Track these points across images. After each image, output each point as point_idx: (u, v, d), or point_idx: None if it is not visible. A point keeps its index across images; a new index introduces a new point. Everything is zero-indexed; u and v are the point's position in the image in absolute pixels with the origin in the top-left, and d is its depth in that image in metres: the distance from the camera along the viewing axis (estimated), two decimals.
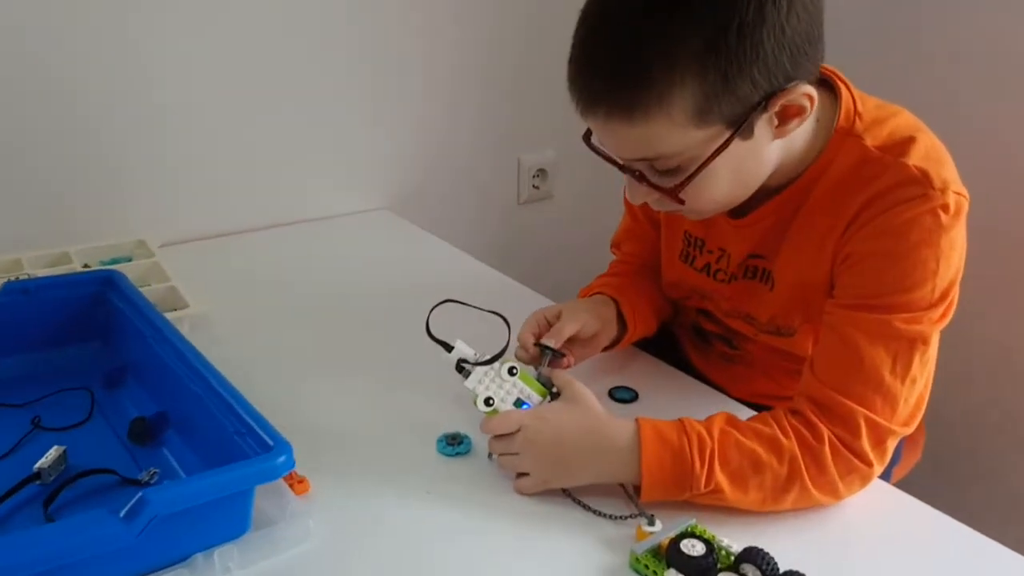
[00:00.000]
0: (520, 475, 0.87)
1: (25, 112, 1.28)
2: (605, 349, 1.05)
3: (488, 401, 0.88)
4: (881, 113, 0.88)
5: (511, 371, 0.90)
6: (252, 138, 1.48)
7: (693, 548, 0.76)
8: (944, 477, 1.62)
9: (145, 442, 0.91)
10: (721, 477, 0.81)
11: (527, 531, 0.83)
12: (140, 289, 1.16)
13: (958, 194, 0.83)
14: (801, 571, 0.74)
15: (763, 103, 0.79)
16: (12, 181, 1.30)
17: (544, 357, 0.95)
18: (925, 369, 0.84)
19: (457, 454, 0.93)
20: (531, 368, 0.95)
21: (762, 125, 0.81)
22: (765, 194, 0.91)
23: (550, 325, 0.99)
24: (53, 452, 0.85)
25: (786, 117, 0.81)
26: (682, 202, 0.85)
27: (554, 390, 0.92)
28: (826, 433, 0.83)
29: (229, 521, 0.75)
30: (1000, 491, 1.68)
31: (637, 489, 0.84)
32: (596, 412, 0.88)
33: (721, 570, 0.75)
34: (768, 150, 0.85)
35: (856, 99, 0.88)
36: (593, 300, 1.06)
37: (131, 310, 1.00)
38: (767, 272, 0.96)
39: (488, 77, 1.68)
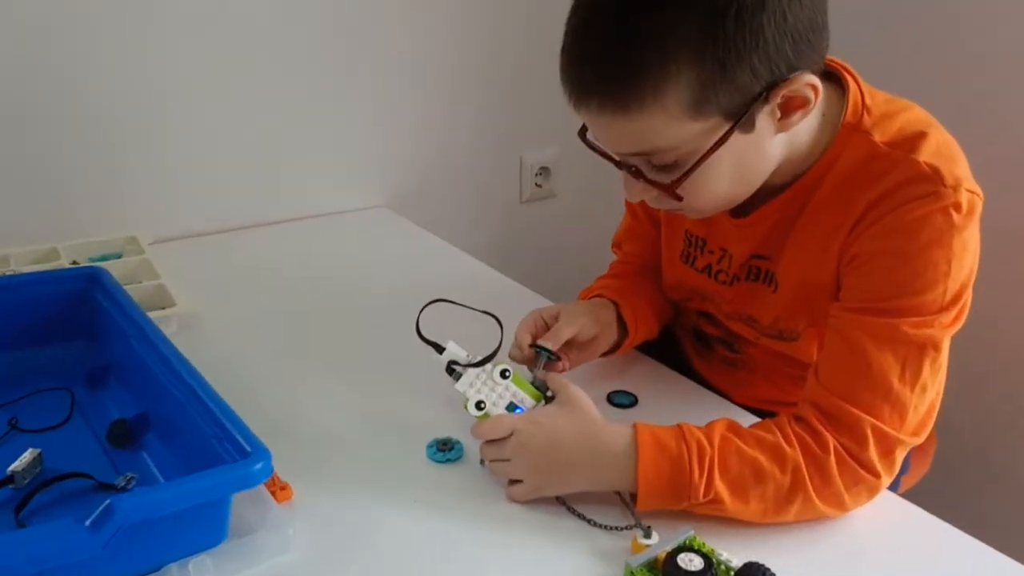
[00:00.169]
0: (512, 482, 0.84)
1: (15, 105, 1.26)
2: (604, 354, 1.02)
3: (479, 405, 0.85)
4: (891, 107, 0.84)
5: (504, 374, 0.86)
6: (249, 134, 1.46)
7: (691, 563, 0.73)
8: (955, 485, 1.58)
9: (125, 445, 0.88)
10: (721, 486, 0.78)
11: (518, 541, 0.80)
12: (128, 287, 1.14)
13: (971, 192, 0.79)
14: None
15: (764, 94, 0.75)
16: (1, 176, 1.28)
17: (539, 359, 0.92)
18: (936, 376, 0.81)
19: (448, 460, 0.90)
20: (525, 371, 0.92)
21: (764, 118, 0.78)
22: (768, 192, 0.88)
23: (547, 326, 0.96)
24: (28, 455, 0.82)
25: (789, 109, 0.78)
26: (680, 199, 0.82)
27: (549, 394, 0.88)
28: (832, 442, 0.79)
29: (204, 530, 0.72)
30: (1013, 500, 1.64)
31: (634, 497, 0.81)
32: (592, 417, 0.85)
33: None
34: (771, 144, 0.81)
35: (865, 93, 0.85)
36: (593, 303, 1.02)
37: (115, 308, 0.97)
38: (770, 273, 0.93)
39: (490, 73, 1.65)
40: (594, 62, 0.75)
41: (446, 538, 0.80)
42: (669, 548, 0.75)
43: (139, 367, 0.89)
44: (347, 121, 1.54)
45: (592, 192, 1.74)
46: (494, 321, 0.86)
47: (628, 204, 1.10)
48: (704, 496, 0.78)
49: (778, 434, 0.80)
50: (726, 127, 0.77)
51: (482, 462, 0.87)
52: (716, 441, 0.79)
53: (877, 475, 0.80)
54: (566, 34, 0.77)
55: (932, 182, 0.78)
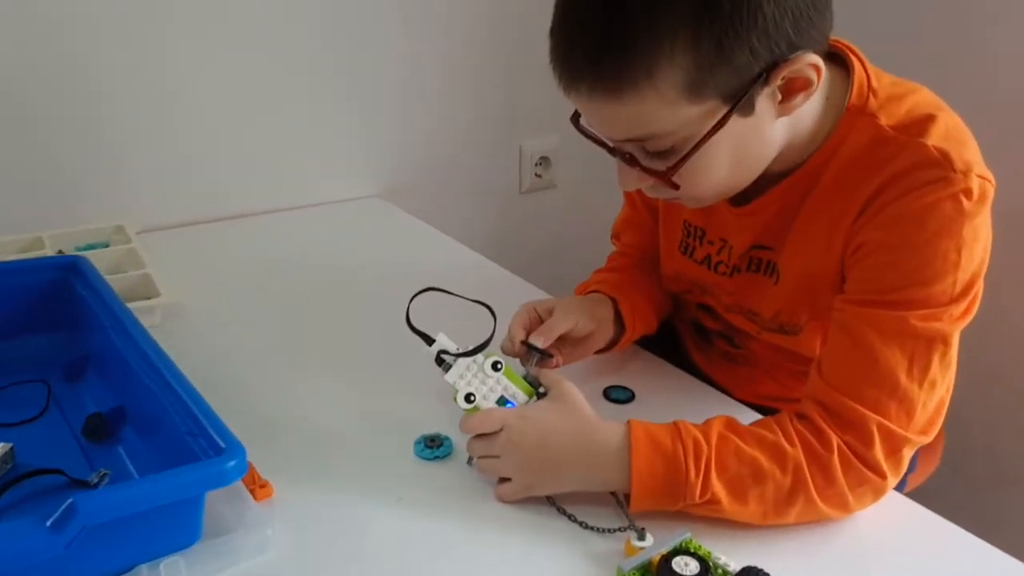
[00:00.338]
0: (501, 480, 0.81)
1: (1, 94, 1.24)
2: (600, 351, 0.98)
3: (469, 397, 0.82)
4: (898, 90, 0.81)
5: (495, 366, 0.83)
6: (240, 121, 1.43)
7: (686, 567, 0.70)
8: (964, 485, 1.55)
9: (101, 440, 0.85)
10: (718, 487, 0.75)
11: (507, 542, 0.77)
12: (113, 276, 1.12)
13: (982, 178, 0.76)
14: None
15: (764, 75, 0.72)
16: None
17: (532, 356, 0.88)
18: (946, 372, 0.77)
19: (436, 457, 0.87)
20: (517, 364, 0.89)
21: (764, 100, 0.74)
22: (770, 179, 0.84)
23: (541, 320, 0.93)
24: None
25: (790, 91, 0.75)
26: (676, 187, 0.78)
27: (541, 390, 0.85)
28: (835, 441, 0.76)
29: (176, 529, 0.69)
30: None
31: (627, 498, 0.78)
32: (585, 414, 0.82)
33: None
34: (772, 129, 0.78)
35: (871, 75, 0.81)
36: (589, 299, 0.99)
37: (94, 299, 0.94)
38: (771, 264, 0.90)
39: (488, 59, 1.62)
40: (584, 43, 0.72)
41: (431, 539, 0.77)
42: (664, 551, 0.72)
43: (117, 359, 0.86)
44: (340, 108, 1.52)
45: (594, 183, 1.70)
46: (489, 314, 0.83)
47: (626, 193, 1.07)
48: (700, 497, 0.75)
49: (779, 432, 0.77)
50: (724, 110, 0.73)
51: (469, 460, 0.84)
52: (713, 439, 0.76)
53: (883, 475, 0.76)
54: (555, 14, 0.74)
55: (941, 167, 0.75)
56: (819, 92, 0.77)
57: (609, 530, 0.77)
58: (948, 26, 1.54)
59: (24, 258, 1.13)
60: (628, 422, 0.79)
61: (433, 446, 0.87)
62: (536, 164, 1.75)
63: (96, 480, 0.78)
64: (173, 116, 1.37)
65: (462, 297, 0.84)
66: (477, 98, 1.64)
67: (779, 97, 0.75)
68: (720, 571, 0.71)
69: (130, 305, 1.05)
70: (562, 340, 0.92)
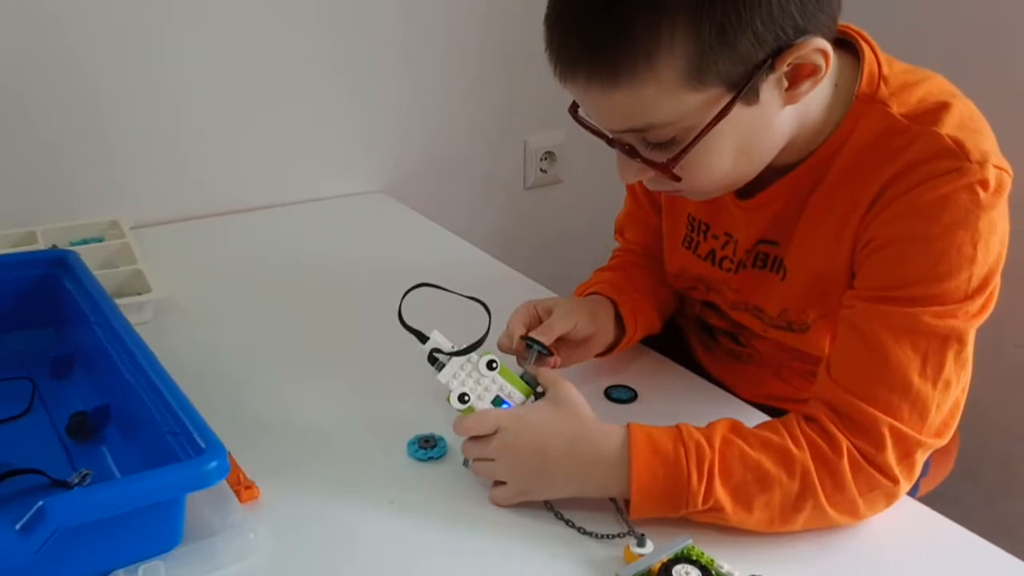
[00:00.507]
0: (497, 483, 0.78)
1: None
2: (600, 355, 0.95)
3: (463, 398, 0.79)
4: (910, 77, 0.78)
5: (490, 365, 0.80)
6: (240, 115, 1.41)
7: (687, 575, 0.67)
8: (979, 489, 1.51)
9: (84, 439, 0.83)
10: (721, 493, 0.72)
11: (502, 547, 0.74)
12: (104, 271, 1.10)
13: (999, 168, 0.72)
14: None
15: (769, 61, 0.69)
16: None
17: (530, 353, 0.85)
18: (961, 372, 0.74)
19: (430, 458, 0.84)
20: (514, 363, 0.86)
21: (769, 88, 0.71)
22: (776, 171, 0.81)
23: (541, 320, 0.90)
24: None
25: (797, 78, 0.71)
26: (678, 179, 0.75)
27: (539, 389, 0.82)
28: (845, 444, 0.73)
29: (155, 533, 0.67)
30: None
31: (627, 503, 0.75)
32: (583, 416, 0.79)
33: None
34: (778, 118, 0.74)
35: (882, 62, 0.78)
36: (590, 300, 0.96)
37: (81, 294, 0.92)
38: (778, 260, 0.86)
39: (492, 52, 1.59)
40: (579, 29, 0.69)
41: (424, 544, 0.74)
42: (664, 558, 0.69)
43: (102, 356, 0.84)
44: (342, 101, 1.49)
45: (600, 178, 1.67)
46: (487, 312, 0.80)
47: (629, 187, 1.04)
48: (703, 503, 0.72)
49: (786, 435, 0.74)
50: (727, 99, 0.70)
51: (465, 462, 0.81)
52: (717, 443, 0.73)
53: (895, 480, 0.73)
54: (550, 1, 0.71)
55: (956, 157, 0.72)
56: (827, 79, 0.74)
57: (608, 536, 0.74)
58: (962, 12, 1.50)
59: (13, 252, 1.11)
60: (628, 425, 0.76)
61: (427, 447, 0.84)
62: (541, 159, 1.72)
63: (77, 480, 0.75)
64: (172, 110, 1.35)
65: (456, 293, 0.82)
66: (481, 92, 1.61)
67: (785, 84, 0.72)
68: None
69: (121, 301, 1.04)
70: (561, 342, 0.89)
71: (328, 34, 1.44)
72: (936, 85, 0.77)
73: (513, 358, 0.87)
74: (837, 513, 0.73)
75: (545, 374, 0.82)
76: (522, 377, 0.83)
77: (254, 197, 1.45)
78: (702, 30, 0.66)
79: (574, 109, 0.78)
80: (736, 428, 0.76)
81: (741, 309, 0.93)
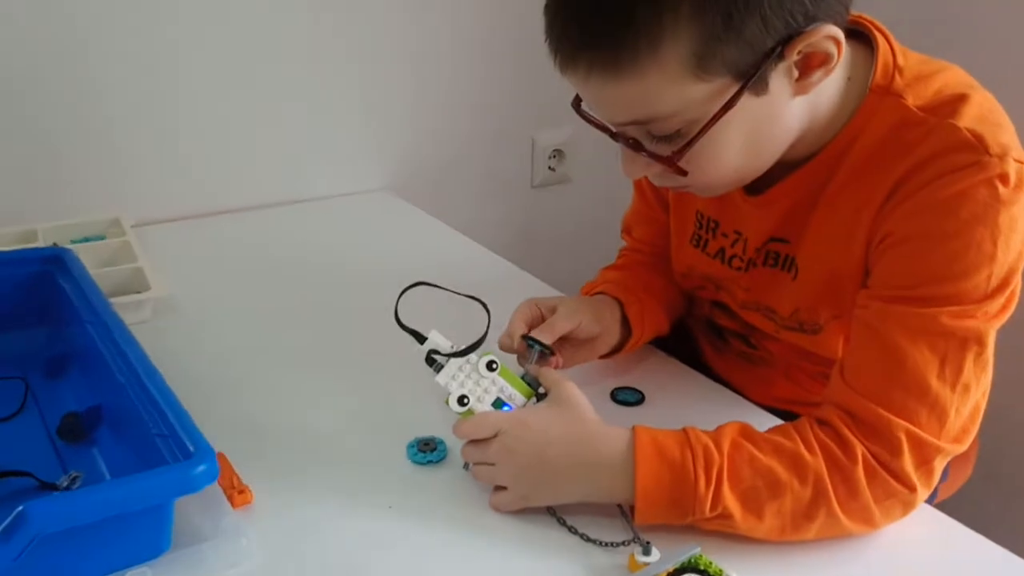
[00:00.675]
0: (498, 488, 0.76)
1: None
2: (605, 356, 0.92)
3: (462, 400, 0.77)
4: (926, 68, 0.75)
5: (490, 366, 0.78)
6: (243, 112, 1.39)
7: None
8: (999, 495, 1.48)
9: (76, 440, 0.82)
10: (730, 500, 0.69)
11: (503, 554, 0.72)
12: (104, 270, 1.09)
13: (1020, 162, 0.69)
14: None
15: (778, 49, 0.66)
16: None
17: (531, 353, 0.83)
18: (981, 375, 0.71)
19: (429, 462, 0.81)
20: (515, 364, 0.83)
21: (779, 78, 0.68)
22: (787, 166, 0.78)
23: (544, 318, 0.87)
24: None
25: (808, 67, 0.69)
26: (684, 173, 0.73)
27: (541, 391, 0.80)
28: (860, 449, 0.70)
29: (141, 539, 0.65)
30: None
31: (633, 509, 0.72)
32: (587, 418, 0.76)
33: None
34: (788, 110, 0.72)
35: (897, 52, 0.75)
36: (595, 300, 0.93)
37: (75, 293, 0.90)
38: (789, 258, 0.84)
39: (499, 47, 1.56)
40: (579, 17, 0.67)
41: (422, 550, 0.72)
42: (671, 567, 0.67)
43: (94, 356, 0.82)
44: (346, 98, 1.47)
45: (610, 177, 1.63)
46: (487, 311, 0.78)
47: (636, 184, 1.02)
48: (711, 510, 0.70)
49: (798, 440, 0.71)
50: (734, 89, 0.67)
51: (466, 465, 0.79)
52: (726, 447, 0.71)
53: (912, 488, 0.70)
54: None
55: (974, 151, 0.69)
56: (840, 70, 0.71)
57: (612, 543, 0.72)
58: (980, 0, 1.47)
59: (7, 249, 1.09)
60: (633, 428, 0.73)
61: (427, 450, 0.82)
62: (549, 157, 1.69)
63: (66, 483, 0.74)
64: (174, 107, 1.33)
65: (454, 292, 0.79)
66: (488, 88, 1.59)
67: (795, 74, 0.69)
68: None
69: (120, 299, 1.03)
70: (564, 341, 0.86)
71: (332, 30, 1.42)
72: (953, 76, 0.75)
73: (514, 358, 0.84)
74: (851, 522, 0.71)
75: (548, 374, 0.80)
76: (523, 378, 0.80)
77: (257, 195, 1.43)
78: (707, 16, 0.63)
79: (577, 102, 0.76)
80: (746, 432, 0.73)
81: (751, 309, 0.90)
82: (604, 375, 0.95)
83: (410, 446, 0.83)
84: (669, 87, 0.67)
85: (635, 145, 0.73)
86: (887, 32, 0.76)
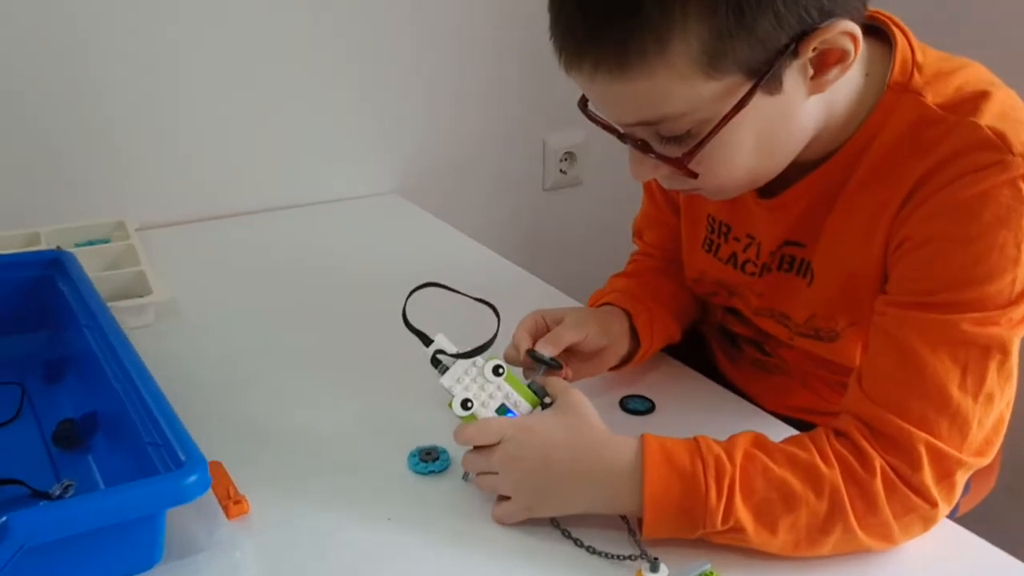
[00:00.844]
0: (501, 498, 0.74)
1: (1, 87, 1.20)
2: (613, 368, 0.90)
3: (466, 404, 0.75)
4: (946, 65, 0.72)
5: (497, 370, 0.76)
6: (249, 115, 1.38)
7: None
8: (1023, 505, 1.43)
9: (71, 447, 0.80)
10: (743, 513, 0.67)
11: (505, 568, 0.70)
12: (106, 273, 1.08)
13: None
14: None
15: (792, 46, 0.64)
16: None
17: (537, 367, 0.80)
18: (1005, 384, 0.68)
19: (431, 472, 0.79)
20: (521, 372, 0.81)
21: (793, 76, 0.66)
22: (802, 167, 0.76)
23: (549, 330, 0.84)
24: None
25: (824, 65, 0.66)
26: (694, 175, 0.70)
27: (546, 400, 0.77)
28: (878, 462, 0.67)
29: (131, 551, 0.63)
30: None
31: (640, 522, 0.69)
32: (593, 426, 0.73)
33: None
34: (802, 109, 0.69)
35: (916, 49, 0.72)
36: (603, 311, 0.90)
37: (74, 297, 0.88)
38: (805, 263, 0.81)
39: (509, 48, 1.54)
40: (585, 13, 0.64)
41: (422, 563, 0.70)
42: None
43: (91, 361, 0.81)
44: (354, 100, 1.45)
45: (623, 180, 1.60)
46: (496, 315, 0.76)
47: (646, 187, 0.99)
48: (723, 524, 0.67)
49: (814, 451, 0.69)
50: (747, 87, 0.65)
51: (465, 476, 0.77)
52: (738, 458, 0.68)
53: (933, 503, 0.68)
54: None
55: (997, 150, 0.66)
56: (857, 67, 0.69)
57: (619, 557, 0.70)
58: None
59: (6, 253, 1.08)
60: (642, 437, 0.71)
61: (428, 459, 0.80)
62: (561, 160, 1.67)
63: (59, 492, 0.72)
64: (180, 110, 1.32)
65: (463, 294, 0.77)
66: (498, 90, 1.56)
67: (811, 72, 0.66)
68: None
69: (123, 303, 1.02)
70: (571, 354, 0.84)
71: (340, 31, 1.40)
72: (974, 73, 0.72)
73: (520, 368, 0.82)
74: (869, 537, 0.68)
75: (554, 382, 0.78)
76: (529, 386, 0.78)
77: (264, 198, 1.42)
78: (718, 11, 0.61)
79: (583, 102, 0.74)
80: (759, 442, 0.70)
81: (765, 315, 0.87)
82: (613, 383, 0.93)
83: (411, 455, 0.81)
84: (678, 86, 0.64)
85: (643, 146, 0.71)
86: (905, 28, 0.73)
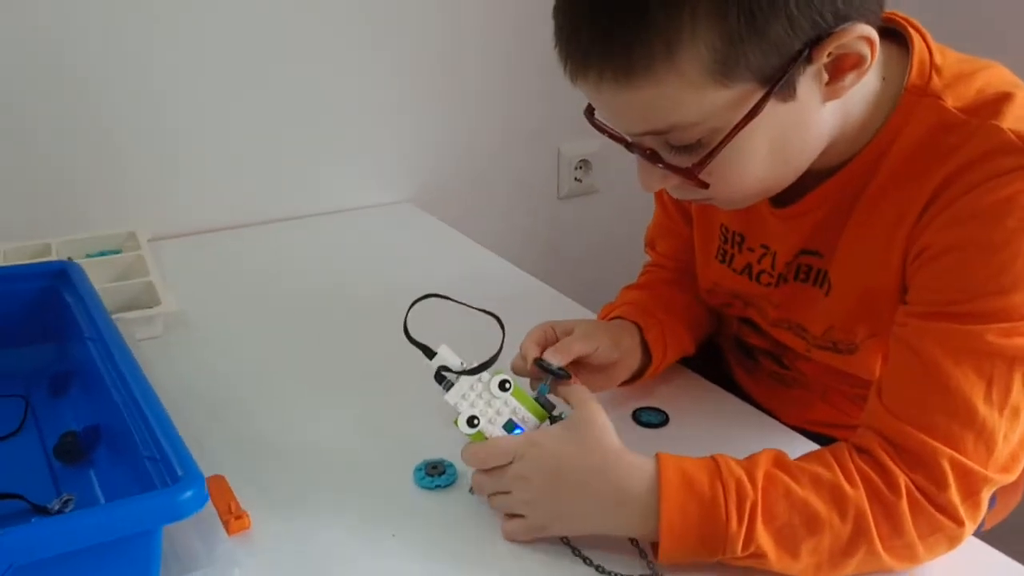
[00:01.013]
0: (511, 515, 0.71)
1: (13, 98, 1.20)
2: (625, 383, 0.87)
3: (472, 421, 0.72)
4: (966, 67, 0.69)
5: (503, 385, 0.73)
6: (263, 124, 1.37)
7: None
8: None
9: (73, 461, 0.79)
10: (764, 538, 0.64)
11: None
12: (115, 284, 1.08)
13: None
14: None
15: (806, 52, 0.61)
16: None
17: (544, 378, 0.78)
18: None
19: (437, 487, 0.77)
20: (528, 386, 0.79)
21: (807, 82, 0.63)
22: (817, 175, 0.73)
23: (558, 341, 0.82)
24: None
25: (839, 70, 0.64)
26: (705, 186, 0.68)
27: (555, 413, 0.75)
28: (903, 481, 0.65)
29: (126, 568, 0.61)
30: None
31: (655, 546, 0.67)
32: (605, 443, 0.70)
33: None
34: (818, 116, 0.67)
35: (934, 51, 0.70)
36: (614, 324, 0.88)
37: (80, 308, 0.87)
38: (822, 273, 0.78)
39: (523, 57, 1.53)
40: (591, 19, 0.62)
41: None
42: None
43: (94, 374, 0.80)
44: (368, 109, 1.44)
45: (638, 188, 1.60)
46: (501, 327, 0.73)
47: (657, 196, 0.97)
48: (743, 550, 0.64)
49: (838, 470, 0.66)
50: (759, 94, 0.63)
51: (471, 490, 0.75)
52: (760, 480, 0.65)
53: (960, 522, 0.65)
54: None
55: (1020, 153, 0.63)
56: (873, 71, 0.66)
57: None
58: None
59: (12, 264, 1.08)
60: (657, 457, 0.68)
61: (435, 474, 0.78)
62: (576, 168, 1.65)
63: (58, 506, 0.71)
64: (194, 120, 1.32)
65: (467, 305, 0.75)
66: (513, 98, 1.55)
67: (826, 77, 0.64)
68: None
69: (130, 315, 1.01)
70: (580, 366, 0.81)
71: (354, 42, 1.40)
72: (996, 75, 0.69)
73: (528, 380, 0.80)
74: (893, 558, 0.65)
75: (576, 392, 0.74)
76: (537, 400, 0.76)
77: (278, 208, 1.41)
78: (729, 16, 0.59)
79: (590, 111, 0.72)
80: (781, 462, 0.67)
81: (783, 327, 0.85)
82: (626, 394, 0.90)
83: (417, 469, 0.79)
84: (688, 94, 0.62)
85: (652, 156, 0.69)
86: (923, 30, 0.71)
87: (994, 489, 0.66)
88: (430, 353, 0.74)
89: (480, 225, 1.45)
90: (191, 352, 1.01)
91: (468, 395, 0.73)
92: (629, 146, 0.70)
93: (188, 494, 0.59)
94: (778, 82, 0.62)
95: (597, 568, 0.68)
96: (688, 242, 0.94)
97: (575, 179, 1.65)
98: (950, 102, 0.67)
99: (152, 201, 1.32)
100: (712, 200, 0.73)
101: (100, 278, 1.07)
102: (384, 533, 0.72)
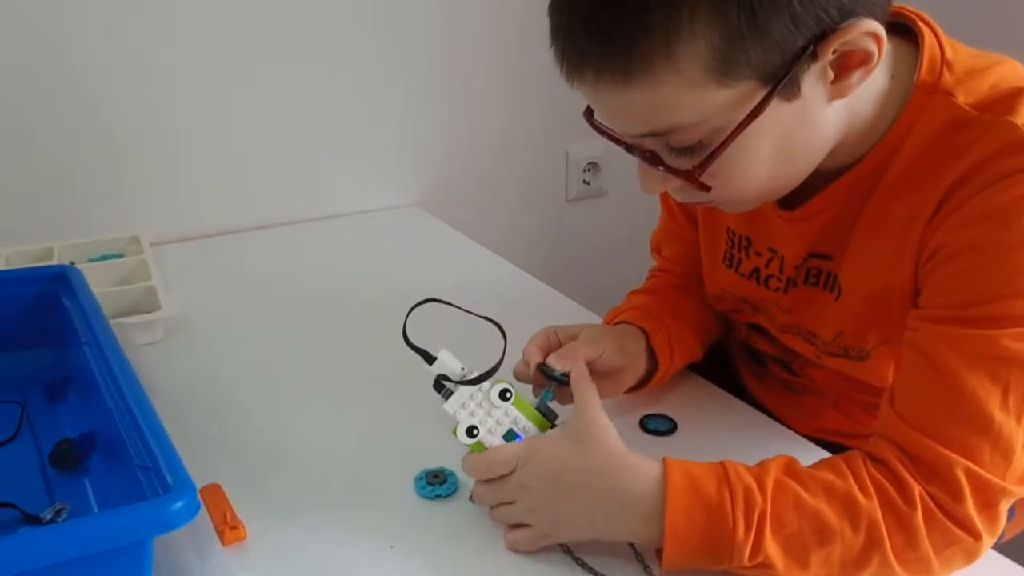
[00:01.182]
0: (515, 525, 0.69)
1: (16, 103, 1.19)
2: (631, 390, 0.85)
3: (472, 431, 0.71)
4: (979, 63, 0.67)
5: (503, 395, 0.72)
6: (268, 127, 1.36)
7: None
8: None
9: (68, 469, 0.77)
10: (772, 548, 0.62)
11: None
12: (116, 289, 1.07)
13: None
14: None
15: (811, 49, 0.59)
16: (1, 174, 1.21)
17: (547, 384, 0.76)
18: None
19: (438, 496, 0.76)
20: (530, 393, 0.77)
21: (812, 80, 0.61)
22: (824, 176, 0.71)
23: (561, 346, 0.80)
24: None
25: (845, 68, 0.62)
26: (707, 188, 0.66)
27: (556, 422, 0.73)
28: (918, 492, 0.63)
29: None
30: None
31: (659, 553, 0.65)
32: (610, 447, 0.68)
33: None
34: (823, 115, 0.65)
35: (945, 46, 0.67)
36: (619, 330, 0.86)
37: (78, 313, 0.86)
38: (831, 276, 0.76)
39: (530, 58, 1.50)
40: (586, 19, 0.60)
41: None
42: None
43: (89, 380, 0.79)
44: (374, 112, 1.43)
45: None
46: (503, 335, 0.72)
47: (663, 199, 0.95)
48: (751, 559, 0.62)
49: (851, 479, 0.64)
50: (762, 93, 0.61)
51: (471, 498, 0.73)
52: (769, 488, 0.63)
53: (977, 535, 0.63)
54: None
55: None
56: (882, 68, 0.64)
57: None
58: None
59: (10, 269, 1.07)
60: (664, 461, 0.66)
61: (435, 483, 0.76)
62: (584, 170, 1.63)
63: (50, 516, 0.69)
64: (197, 124, 1.31)
65: (467, 311, 0.73)
66: (520, 99, 1.54)
67: (831, 76, 0.62)
68: None
69: (131, 319, 1.00)
70: None
71: (358, 43, 1.39)
72: (1011, 70, 0.67)
73: (529, 388, 0.78)
74: (907, 572, 0.63)
75: (579, 390, 0.72)
76: (538, 408, 0.74)
77: (281, 212, 1.40)
78: (729, 13, 0.57)
79: (589, 113, 0.70)
80: (792, 469, 0.65)
81: (792, 333, 0.83)
82: (633, 401, 0.88)
83: (418, 478, 0.77)
84: (688, 94, 0.60)
85: (652, 158, 0.67)
86: (933, 24, 0.69)
87: (1012, 501, 0.64)
88: (429, 358, 0.72)
89: (487, 228, 1.45)
90: (192, 357, 1.00)
91: (467, 404, 0.72)
92: (629, 148, 0.68)
93: (179, 504, 0.57)
94: (781, 81, 0.60)
95: None
96: (694, 246, 0.92)
97: (584, 181, 1.64)
98: (962, 98, 0.65)
99: (153, 203, 1.32)
100: (715, 203, 0.71)
101: (102, 282, 1.07)
102: (383, 544, 0.70)
